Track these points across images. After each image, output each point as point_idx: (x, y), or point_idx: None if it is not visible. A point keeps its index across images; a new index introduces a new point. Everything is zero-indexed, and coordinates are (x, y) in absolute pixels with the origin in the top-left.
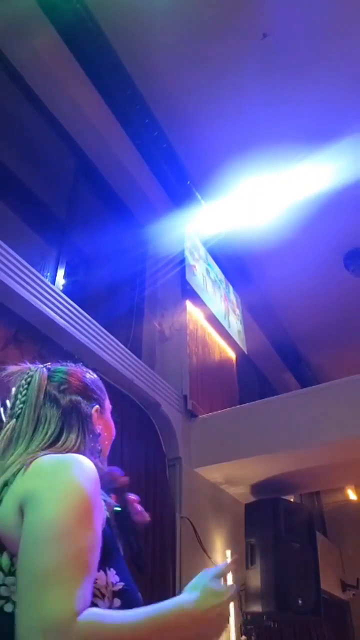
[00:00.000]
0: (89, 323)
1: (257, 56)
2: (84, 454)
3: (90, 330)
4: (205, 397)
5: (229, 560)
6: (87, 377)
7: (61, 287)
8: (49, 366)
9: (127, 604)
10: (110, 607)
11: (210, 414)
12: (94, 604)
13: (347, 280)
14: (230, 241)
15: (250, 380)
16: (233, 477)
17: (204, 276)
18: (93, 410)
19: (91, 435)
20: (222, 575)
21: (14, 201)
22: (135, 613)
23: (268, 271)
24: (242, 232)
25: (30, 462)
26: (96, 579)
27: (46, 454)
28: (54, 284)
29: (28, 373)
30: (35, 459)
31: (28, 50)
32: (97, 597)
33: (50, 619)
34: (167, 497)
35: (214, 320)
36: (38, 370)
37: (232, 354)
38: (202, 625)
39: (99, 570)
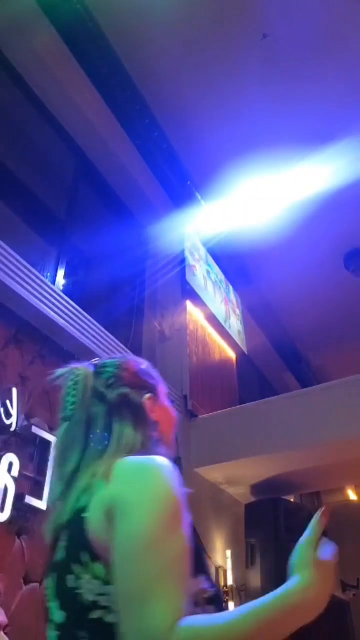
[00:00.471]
0: (89, 323)
1: (257, 56)
2: (150, 447)
3: (90, 330)
4: (205, 397)
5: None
6: (136, 365)
7: (61, 287)
8: (97, 362)
9: (219, 611)
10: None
11: (210, 414)
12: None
13: (347, 280)
14: (230, 241)
15: (250, 380)
16: (233, 477)
17: (204, 276)
18: (145, 399)
19: (148, 426)
20: (318, 538)
21: (14, 201)
22: (236, 612)
23: (268, 271)
24: (242, 232)
25: (111, 466)
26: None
27: (124, 457)
28: (54, 284)
29: (75, 372)
30: (115, 462)
31: (28, 50)
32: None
33: (150, 634)
34: None
35: (214, 320)
36: (84, 368)
37: (232, 354)
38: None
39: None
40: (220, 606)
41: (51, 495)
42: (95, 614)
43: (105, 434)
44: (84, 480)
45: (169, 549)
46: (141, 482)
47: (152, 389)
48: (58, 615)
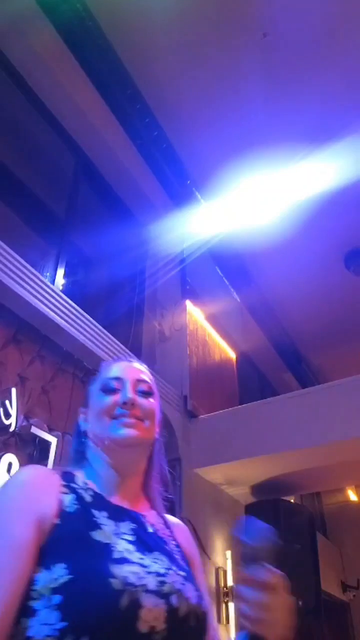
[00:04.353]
0: (89, 323)
1: (258, 56)
2: (77, 459)
3: (90, 330)
4: (205, 398)
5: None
6: (90, 382)
7: (61, 287)
8: None
9: (72, 597)
10: (48, 607)
11: (210, 414)
12: (27, 606)
13: (348, 280)
14: (230, 241)
15: (250, 380)
16: (233, 477)
17: None
18: (80, 416)
19: (78, 439)
20: None
21: (14, 201)
22: None
23: (268, 271)
24: (242, 232)
25: None
26: (36, 580)
27: None
28: (53, 284)
29: None
30: None
31: (28, 50)
32: (33, 599)
33: None
34: (167, 497)
35: (214, 320)
36: None
37: (232, 354)
38: None
39: (41, 570)
40: (76, 593)
41: None
42: None
43: None
44: None
45: None
46: None
47: (88, 400)
48: None
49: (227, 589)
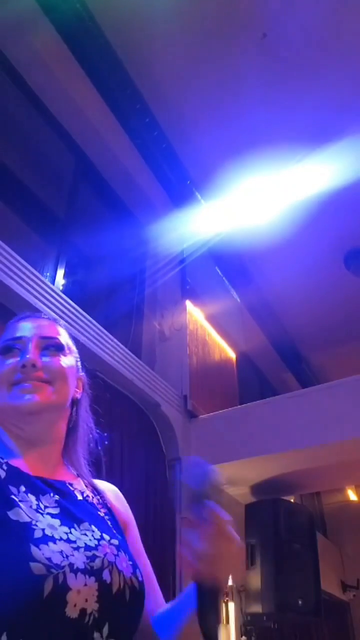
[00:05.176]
0: (89, 323)
1: (257, 56)
2: None
3: (90, 330)
4: (205, 397)
5: None
6: None
7: (61, 287)
8: None
9: None
10: None
11: (210, 414)
12: None
13: (348, 280)
14: (230, 241)
15: (250, 380)
16: (233, 477)
17: None
18: None
19: None
20: None
21: (14, 201)
22: None
23: (268, 271)
24: (242, 232)
25: None
26: None
27: None
28: (53, 284)
29: None
30: None
31: (28, 50)
32: None
33: None
34: (167, 497)
35: (214, 320)
36: None
37: (232, 354)
38: None
39: None
40: None
41: None
42: None
43: None
44: None
45: None
46: None
47: None
48: None
49: (227, 588)
